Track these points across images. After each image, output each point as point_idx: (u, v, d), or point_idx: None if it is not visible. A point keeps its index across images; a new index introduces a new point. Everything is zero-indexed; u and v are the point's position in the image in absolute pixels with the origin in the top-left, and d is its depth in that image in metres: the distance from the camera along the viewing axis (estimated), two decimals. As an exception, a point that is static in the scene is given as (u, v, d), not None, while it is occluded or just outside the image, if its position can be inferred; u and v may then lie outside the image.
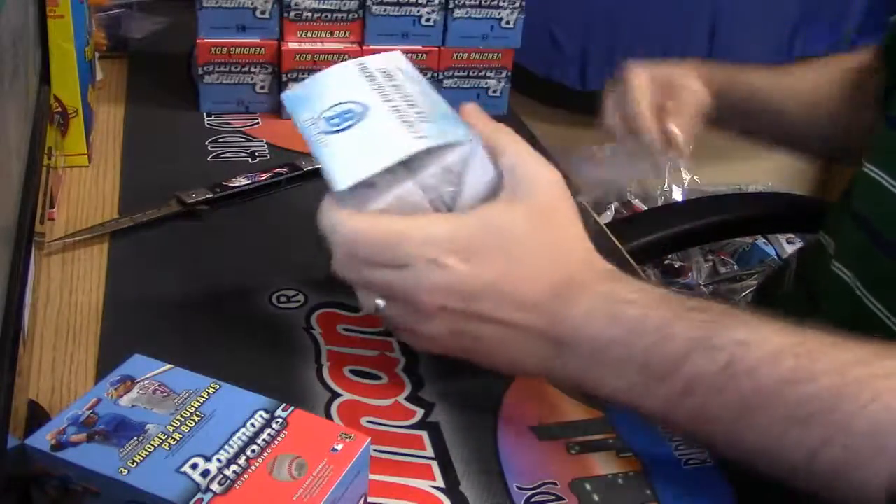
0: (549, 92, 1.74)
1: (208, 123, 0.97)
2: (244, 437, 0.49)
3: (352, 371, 0.64)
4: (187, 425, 0.50)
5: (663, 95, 0.87)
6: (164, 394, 0.52)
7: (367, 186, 0.54)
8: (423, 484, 0.56)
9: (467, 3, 0.98)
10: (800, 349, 0.49)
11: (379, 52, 0.61)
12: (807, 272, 0.82)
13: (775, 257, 1.76)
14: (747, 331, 0.51)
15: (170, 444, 0.48)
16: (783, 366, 0.49)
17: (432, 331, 0.55)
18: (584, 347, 0.53)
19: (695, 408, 0.51)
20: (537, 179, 0.55)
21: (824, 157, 1.05)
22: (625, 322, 0.52)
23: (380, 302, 0.56)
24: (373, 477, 0.53)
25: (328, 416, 0.60)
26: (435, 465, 0.57)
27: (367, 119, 0.56)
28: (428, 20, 0.98)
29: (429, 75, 1.01)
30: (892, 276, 0.69)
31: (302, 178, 0.87)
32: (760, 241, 1.81)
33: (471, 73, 1.02)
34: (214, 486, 0.46)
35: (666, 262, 1.71)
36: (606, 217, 1.77)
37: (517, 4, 1.00)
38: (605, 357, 0.53)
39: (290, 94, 0.60)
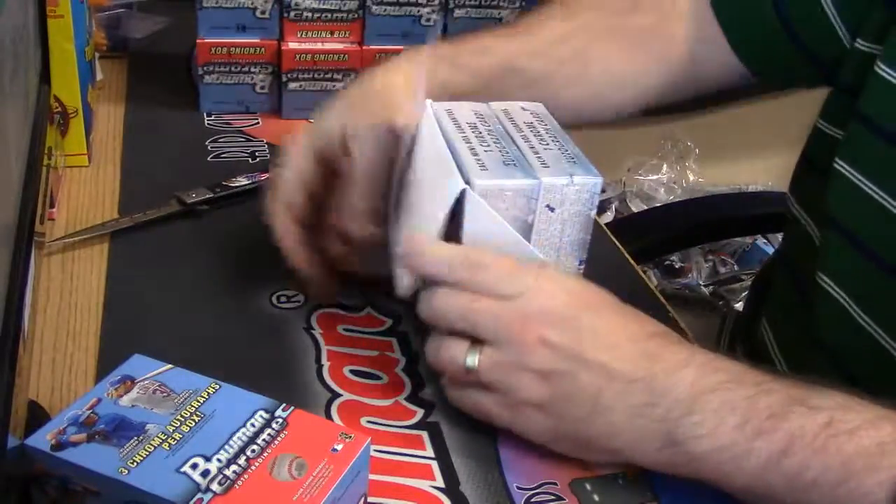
0: (549, 92, 1.74)
1: (208, 123, 0.97)
2: (244, 437, 0.49)
3: (352, 371, 0.64)
4: (187, 425, 0.50)
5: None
6: (164, 394, 0.52)
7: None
8: (423, 484, 0.56)
9: (467, 3, 0.98)
10: (895, 416, 0.49)
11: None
12: (797, 283, 0.77)
13: (775, 257, 1.76)
14: (843, 396, 0.50)
15: (170, 444, 0.48)
16: (884, 430, 0.48)
17: (533, 368, 0.54)
18: (682, 392, 0.52)
19: (793, 470, 0.49)
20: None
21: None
22: (724, 371, 0.52)
23: (473, 357, 0.55)
24: (373, 477, 0.53)
25: (328, 416, 0.60)
26: (435, 465, 0.57)
27: None
28: (428, 20, 0.98)
29: (429, 75, 1.01)
30: (887, 292, 0.64)
31: (302, 178, 0.87)
32: (760, 241, 1.81)
33: (471, 73, 1.02)
34: (214, 486, 0.46)
35: (666, 262, 1.71)
36: (606, 217, 1.77)
37: (517, 4, 1.00)
38: (705, 406, 0.51)
39: None
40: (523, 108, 0.66)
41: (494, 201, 0.57)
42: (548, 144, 0.62)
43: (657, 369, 0.53)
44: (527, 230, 0.59)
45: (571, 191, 0.59)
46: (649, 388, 0.52)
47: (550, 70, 0.74)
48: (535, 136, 0.63)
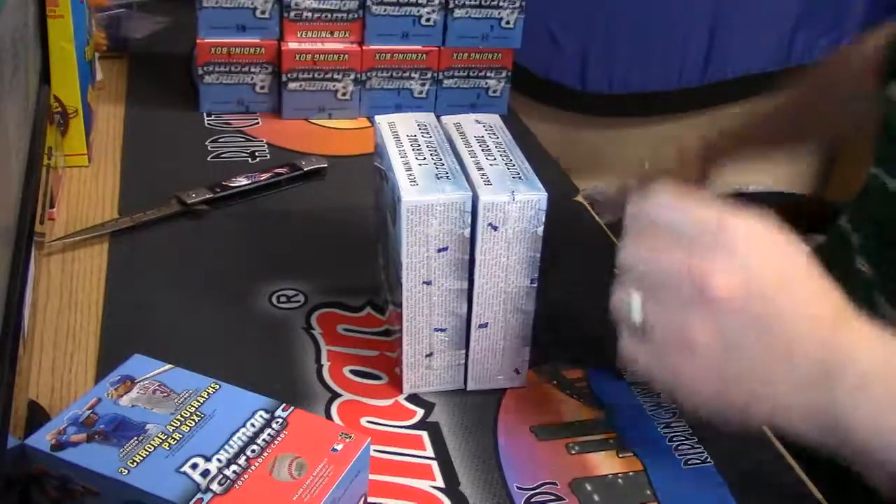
0: (549, 92, 1.74)
1: (208, 123, 0.97)
2: (244, 437, 0.49)
3: (352, 371, 0.64)
4: (187, 425, 0.50)
5: None
6: (164, 394, 0.52)
7: None
8: (423, 484, 0.56)
9: (467, 3, 0.98)
10: None
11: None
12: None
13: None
14: None
15: (170, 444, 0.48)
16: None
17: (711, 324, 0.48)
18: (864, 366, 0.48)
19: None
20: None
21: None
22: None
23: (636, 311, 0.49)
24: (373, 477, 0.53)
25: (328, 416, 0.60)
26: (435, 465, 0.57)
27: None
28: (428, 20, 0.98)
29: (429, 75, 1.01)
30: None
31: (302, 178, 0.87)
32: (760, 240, 1.81)
33: (471, 73, 1.02)
34: (214, 486, 0.46)
35: (666, 262, 1.71)
36: (607, 217, 1.77)
37: (517, 4, 1.00)
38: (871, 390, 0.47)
39: None
40: (477, 121, 0.65)
41: (426, 217, 0.56)
42: (494, 159, 0.60)
43: (839, 335, 0.48)
44: (464, 244, 0.58)
45: (514, 208, 0.57)
46: (831, 352, 0.48)
47: None
48: (482, 150, 0.61)
